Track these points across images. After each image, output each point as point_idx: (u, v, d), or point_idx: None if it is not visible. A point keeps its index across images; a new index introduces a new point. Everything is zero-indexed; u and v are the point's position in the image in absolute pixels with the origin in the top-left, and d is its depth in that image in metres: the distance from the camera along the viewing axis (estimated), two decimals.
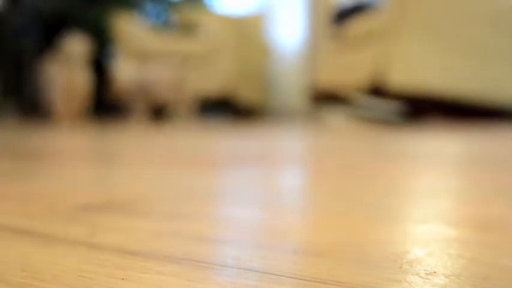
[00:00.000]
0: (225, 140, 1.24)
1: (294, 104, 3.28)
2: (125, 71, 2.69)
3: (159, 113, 2.73)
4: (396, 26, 2.04)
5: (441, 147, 1.01)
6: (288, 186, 0.50)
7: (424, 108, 2.14)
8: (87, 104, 2.81)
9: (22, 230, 0.29)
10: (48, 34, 3.40)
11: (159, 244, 0.26)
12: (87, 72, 2.80)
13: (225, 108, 3.06)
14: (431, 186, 0.48)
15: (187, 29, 3.13)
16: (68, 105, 2.75)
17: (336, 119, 2.62)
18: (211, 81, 2.88)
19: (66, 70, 2.78)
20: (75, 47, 2.79)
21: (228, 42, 2.93)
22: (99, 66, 3.42)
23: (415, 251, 0.25)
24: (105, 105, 3.14)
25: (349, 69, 2.30)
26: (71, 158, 0.80)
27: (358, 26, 2.35)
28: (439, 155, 0.83)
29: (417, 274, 0.21)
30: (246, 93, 2.98)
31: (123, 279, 0.21)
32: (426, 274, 0.21)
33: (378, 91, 2.08)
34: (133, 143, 1.16)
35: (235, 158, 0.76)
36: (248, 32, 3.07)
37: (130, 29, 2.97)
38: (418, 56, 2.05)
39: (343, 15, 2.67)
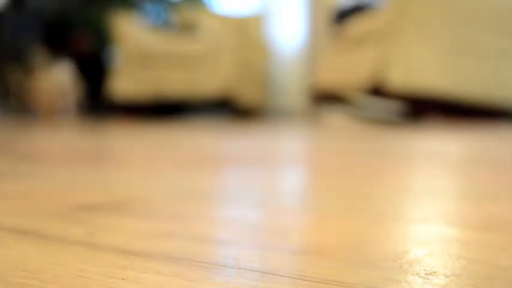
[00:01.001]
0: (225, 140, 1.24)
1: (294, 104, 3.28)
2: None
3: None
4: (396, 26, 2.04)
5: (441, 147, 1.01)
6: (288, 187, 0.50)
7: (424, 108, 2.14)
8: (77, 103, 2.86)
9: (22, 230, 0.29)
10: (49, 33, 3.40)
11: (159, 244, 0.26)
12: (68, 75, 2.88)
13: (225, 108, 3.06)
14: (431, 186, 0.48)
15: (187, 29, 3.13)
16: (50, 104, 2.83)
17: (336, 119, 2.62)
18: (211, 81, 2.88)
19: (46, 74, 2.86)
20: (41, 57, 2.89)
21: (228, 42, 2.93)
22: (99, 66, 3.42)
23: (415, 251, 0.25)
24: (105, 104, 3.13)
25: (349, 69, 2.30)
26: (70, 157, 0.80)
27: (358, 26, 2.35)
28: (439, 154, 0.83)
29: (417, 274, 0.21)
30: (246, 93, 2.98)
31: (123, 279, 0.21)
32: (426, 274, 0.21)
33: (378, 91, 2.08)
34: (131, 142, 1.16)
35: (235, 158, 0.76)
36: (248, 32, 3.06)
37: (130, 29, 2.97)
38: (418, 56, 2.05)
39: (343, 16, 2.67)
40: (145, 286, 0.20)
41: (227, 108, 3.04)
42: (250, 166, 0.64)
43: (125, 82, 2.92)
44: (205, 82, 2.87)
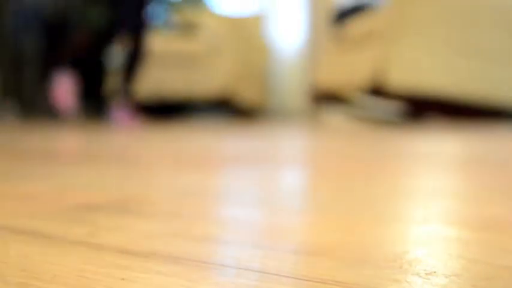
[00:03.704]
0: (225, 140, 1.24)
1: (294, 104, 3.28)
2: None
3: None
4: (396, 26, 2.04)
5: (441, 147, 1.01)
6: (287, 187, 0.50)
7: (424, 108, 2.14)
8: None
9: (22, 230, 0.29)
10: (49, 33, 3.40)
11: (159, 244, 0.26)
12: None
13: (225, 108, 3.06)
14: (431, 186, 0.48)
15: (188, 29, 3.13)
16: None
17: (336, 119, 2.62)
18: (211, 81, 2.88)
19: None
20: None
21: (228, 42, 2.93)
22: (99, 66, 3.41)
23: (415, 251, 0.25)
24: (105, 104, 3.13)
25: (349, 69, 2.30)
26: (70, 158, 0.80)
27: (358, 26, 2.35)
28: (439, 154, 0.83)
29: (417, 274, 0.21)
30: (246, 94, 2.98)
31: (123, 279, 0.21)
32: (426, 274, 0.21)
33: (378, 91, 2.08)
34: (131, 142, 1.17)
35: (235, 158, 0.76)
36: (248, 32, 3.06)
37: None
38: (417, 56, 2.05)
39: (343, 16, 2.67)
40: (145, 286, 0.20)
41: (227, 108, 3.04)
42: (250, 166, 0.64)
43: None
44: (205, 82, 2.87)
